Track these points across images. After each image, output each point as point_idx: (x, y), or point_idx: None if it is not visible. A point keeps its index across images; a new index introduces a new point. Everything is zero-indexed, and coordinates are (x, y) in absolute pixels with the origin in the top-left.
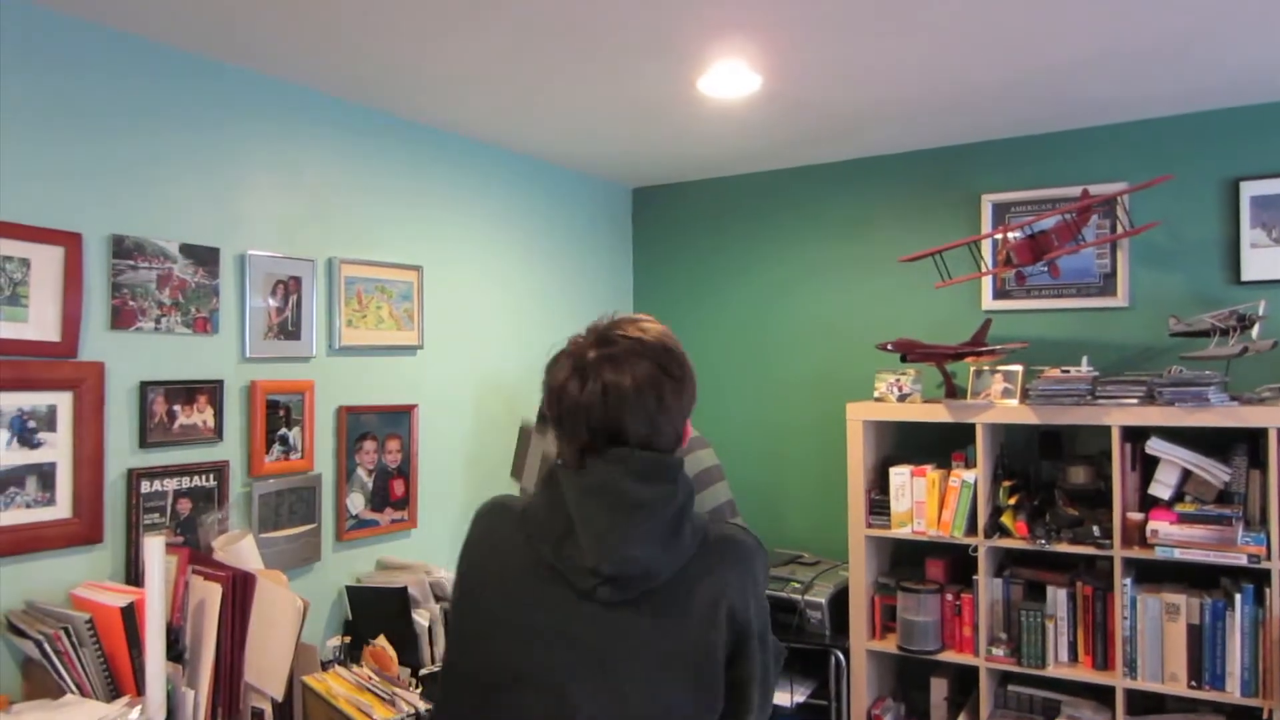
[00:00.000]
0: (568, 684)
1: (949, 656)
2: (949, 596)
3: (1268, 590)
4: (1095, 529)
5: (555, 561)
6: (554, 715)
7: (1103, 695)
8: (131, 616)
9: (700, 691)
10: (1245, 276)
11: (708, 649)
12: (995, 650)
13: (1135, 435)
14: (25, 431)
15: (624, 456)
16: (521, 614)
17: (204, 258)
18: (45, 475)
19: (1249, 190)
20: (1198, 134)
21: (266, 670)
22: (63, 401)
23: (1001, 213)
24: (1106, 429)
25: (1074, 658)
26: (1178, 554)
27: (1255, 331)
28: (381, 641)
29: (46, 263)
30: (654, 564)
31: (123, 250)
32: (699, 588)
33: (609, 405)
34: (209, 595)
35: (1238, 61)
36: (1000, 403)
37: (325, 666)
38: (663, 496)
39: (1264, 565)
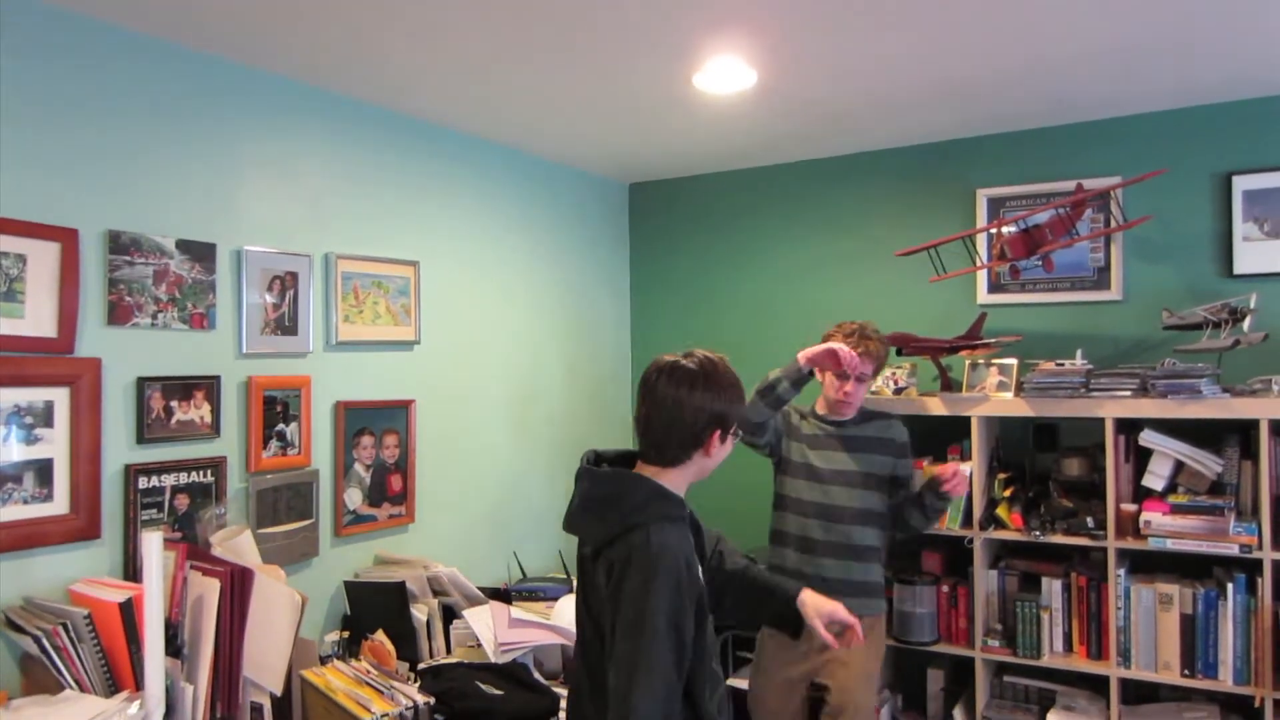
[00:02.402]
0: None
1: (945, 648)
2: (945, 588)
3: (1259, 580)
4: (1089, 520)
5: None
6: None
7: (1097, 685)
8: (130, 612)
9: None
10: (1237, 270)
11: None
12: (991, 641)
13: (1129, 427)
14: (22, 427)
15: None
16: None
17: (201, 253)
18: (42, 471)
19: (1241, 184)
20: (1191, 129)
21: (265, 665)
22: (60, 398)
23: (996, 207)
24: (1100, 421)
25: (1069, 648)
26: (1170, 544)
27: (1247, 324)
28: (380, 636)
29: (43, 258)
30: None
31: (119, 246)
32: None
33: None
34: (207, 590)
35: (1231, 57)
36: (995, 396)
37: (324, 661)
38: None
39: (1255, 555)
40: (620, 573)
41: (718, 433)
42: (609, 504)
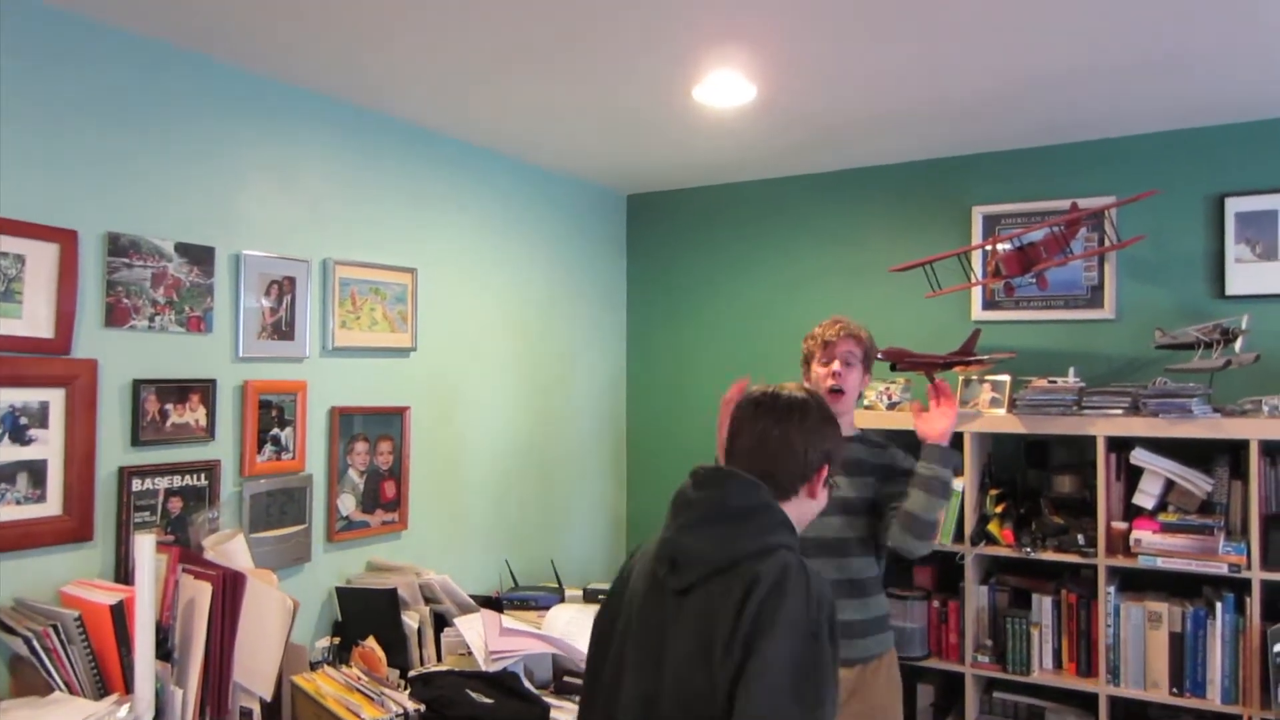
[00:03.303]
0: None
1: (935, 663)
2: (936, 604)
3: (1248, 599)
4: (1080, 537)
5: None
6: None
7: (1086, 702)
8: (121, 615)
9: None
10: (1229, 291)
11: None
12: (981, 657)
13: (1120, 445)
14: (17, 428)
15: None
16: None
17: (199, 257)
18: (36, 472)
19: (1234, 206)
20: (1185, 150)
21: (255, 669)
22: (55, 398)
23: (991, 224)
24: (1092, 439)
25: (1058, 665)
26: (1160, 563)
27: (1238, 345)
28: (370, 643)
29: (41, 259)
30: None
31: (118, 248)
32: None
33: None
34: (199, 594)
35: (1225, 80)
36: (988, 412)
37: (314, 667)
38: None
39: (1244, 575)
40: (765, 599)
41: (825, 468)
42: (747, 517)
